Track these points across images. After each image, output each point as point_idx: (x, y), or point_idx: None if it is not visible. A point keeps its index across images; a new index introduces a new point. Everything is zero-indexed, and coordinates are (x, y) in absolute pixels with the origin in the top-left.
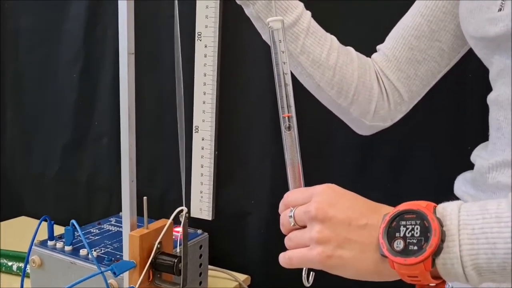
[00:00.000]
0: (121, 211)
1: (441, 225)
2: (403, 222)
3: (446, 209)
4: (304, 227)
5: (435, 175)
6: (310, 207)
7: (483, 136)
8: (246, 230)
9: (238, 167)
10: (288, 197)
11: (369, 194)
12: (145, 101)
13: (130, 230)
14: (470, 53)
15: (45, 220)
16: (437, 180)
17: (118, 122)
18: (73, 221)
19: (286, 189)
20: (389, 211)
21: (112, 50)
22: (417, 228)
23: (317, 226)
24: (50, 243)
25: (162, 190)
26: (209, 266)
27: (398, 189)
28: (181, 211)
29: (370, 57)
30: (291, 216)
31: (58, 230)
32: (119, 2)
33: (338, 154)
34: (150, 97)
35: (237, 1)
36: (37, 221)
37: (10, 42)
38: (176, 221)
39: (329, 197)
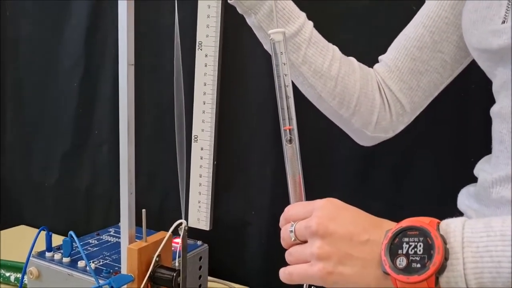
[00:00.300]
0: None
1: (445, 243)
2: (406, 239)
3: (449, 225)
4: (305, 242)
5: (437, 185)
6: (311, 222)
7: (486, 147)
8: (246, 241)
9: (238, 177)
10: (289, 211)
11: (371, 204)
12: (144, 108)
13: (128, 243)
14: (473, 64)
15: (44, 231)
16: (439, 191)
17: (118, 130)
18: (71, 232)
19: (287, 199)
20: (391, 226)
21: (112, 58)
22: (420, 245)
23: (317, 241)
24: (48, 254)
25: (162, 198)
26: (209, 278)
27: (400, 199)
28: (180, 224)
29: (371, 67)
30: (291, 230)
31: (57, 239)
32: (119, 12)
33: (339, 164)
34: (150, 104)
35: (239, 11)
36: (37, 230)
37: (10, 49)
38: (176, 232)
39: (330, 212)
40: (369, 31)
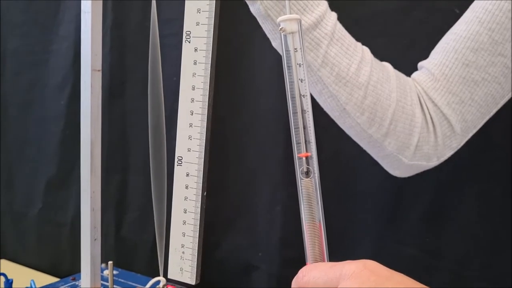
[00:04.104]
0: (110, 260)
1: None
2: None
3: None
4: None
5: (486, 230)
6: None
7: None
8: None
9: (242, 212)
10: (305, 276)
11: (402, 250)
12: (135, 133)
13: None
14: None
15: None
16: (489, 236)
17: (108, 155)
18: (32, 281)
19: (300, 239)
20: None
21: (103, 74)
22: None
23: None
24: None
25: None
26: None
27: (437, 245)
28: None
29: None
30: None
31: (41, 279)
32: (82, 8)
33: (364, 198)
34: (140, 129)
35: None
36: (17, 266)
37: None
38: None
39: (366, 283)
40: (402, 37)
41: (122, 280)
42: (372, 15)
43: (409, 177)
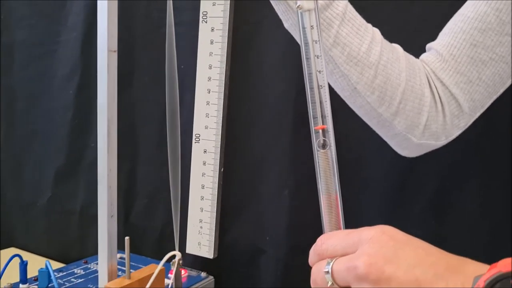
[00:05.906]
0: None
1: None
2: None
3: None
4: None
5: (493, 213)
6: (357, 261)
7: None
8: (259, 272)
9: (251, 196)
10: (323, 244)
11: (408, 232)
12: (144, 123)
13: (107, 280)
14: None
15: (18, 258)
16: (495, 219)
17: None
18: (47, 261)
19: (311, 222)
20: (480, 270)
21: None
22: None
23: None
24: (22, 286)
25: (163, 221)
26: None
27: (444, 228)
28: (174, 256)
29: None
30: (327, 271)
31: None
32: None
33: (369, 180)
34: (150, 118)
35: None
36: (27, 254)
37: (4, 56)
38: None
39: (385, 248)
40: (409, 25)
41: (133, 263)
42: (379, 2)
43: (415, 160)
